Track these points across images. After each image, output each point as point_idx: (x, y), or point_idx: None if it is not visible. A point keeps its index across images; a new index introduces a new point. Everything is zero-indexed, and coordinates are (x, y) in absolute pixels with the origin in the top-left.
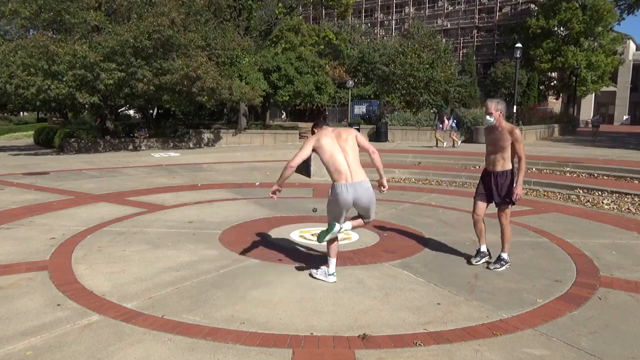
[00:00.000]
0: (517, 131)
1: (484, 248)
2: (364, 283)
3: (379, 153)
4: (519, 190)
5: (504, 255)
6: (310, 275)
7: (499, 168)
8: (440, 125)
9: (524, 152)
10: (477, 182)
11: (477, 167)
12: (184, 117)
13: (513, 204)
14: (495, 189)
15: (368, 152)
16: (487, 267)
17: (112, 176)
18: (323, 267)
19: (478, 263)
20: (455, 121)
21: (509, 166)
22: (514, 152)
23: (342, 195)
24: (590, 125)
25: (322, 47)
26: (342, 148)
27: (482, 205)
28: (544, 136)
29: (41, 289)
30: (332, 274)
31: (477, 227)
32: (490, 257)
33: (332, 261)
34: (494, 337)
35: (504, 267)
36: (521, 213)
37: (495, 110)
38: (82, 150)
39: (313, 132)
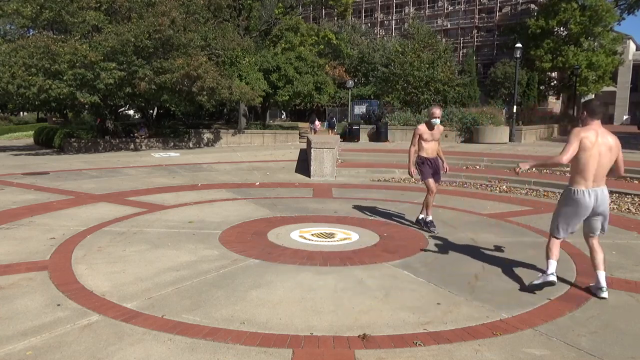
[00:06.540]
0: (441, 127)
1: (430, 218)
2: (364, 283)
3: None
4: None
5: (431, 218)
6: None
7: (437, 154)
8: (312, 126)
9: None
10: (420, 169)
11: (477, 167)
12: (183, 117)
13: None
14: (438, 169)
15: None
16: (430, 230)
17: (112, 176)
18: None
19: (436, 232)
20: (328, 122)
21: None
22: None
23: (583, 200)
24: None
25: (322, 47)
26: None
27: (434, 183)
28: (544, 136)
29: (41, 289)
30: (552, 274)
31: (429, 201)
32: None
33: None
34: (494, 337)
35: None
36: (521, 213)
37: (440, 115)
38: (82, 150)
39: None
